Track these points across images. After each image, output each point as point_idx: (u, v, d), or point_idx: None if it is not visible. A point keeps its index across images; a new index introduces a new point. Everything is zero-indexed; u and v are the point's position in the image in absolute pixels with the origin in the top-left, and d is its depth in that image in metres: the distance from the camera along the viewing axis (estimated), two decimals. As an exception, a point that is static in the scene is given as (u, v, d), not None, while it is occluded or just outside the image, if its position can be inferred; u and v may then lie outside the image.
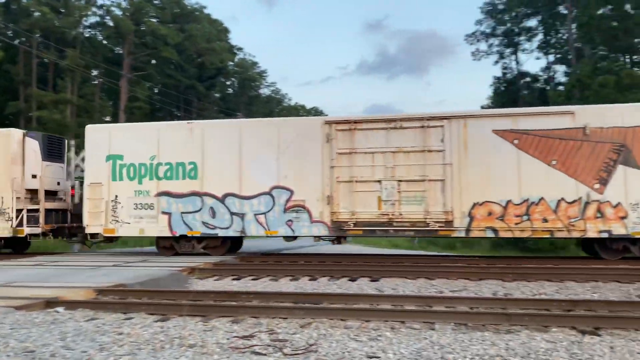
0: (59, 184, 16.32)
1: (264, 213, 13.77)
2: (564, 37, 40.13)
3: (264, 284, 9.99)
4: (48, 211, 15.45)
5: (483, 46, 47.43)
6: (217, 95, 56.49)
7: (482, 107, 46.52)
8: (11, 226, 15.03)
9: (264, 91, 67.40)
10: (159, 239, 14.73)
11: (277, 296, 7.96)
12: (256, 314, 6.76)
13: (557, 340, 5.50)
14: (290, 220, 13.65)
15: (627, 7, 25.39)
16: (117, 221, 14.42)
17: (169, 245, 14.58)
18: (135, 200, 14.35)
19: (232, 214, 13.91)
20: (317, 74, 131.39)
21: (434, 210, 12.93)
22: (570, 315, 6.45)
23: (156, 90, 46.85)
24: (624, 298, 8.38)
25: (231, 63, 56.32)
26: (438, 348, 5.22)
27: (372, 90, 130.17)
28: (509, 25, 45.12)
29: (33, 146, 15.58)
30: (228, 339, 5.68)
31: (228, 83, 59.01)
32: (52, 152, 16.33)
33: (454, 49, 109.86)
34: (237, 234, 14.04)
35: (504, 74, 45.99)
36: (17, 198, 15.10)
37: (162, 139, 14.47)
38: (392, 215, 13.12)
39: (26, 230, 15.04)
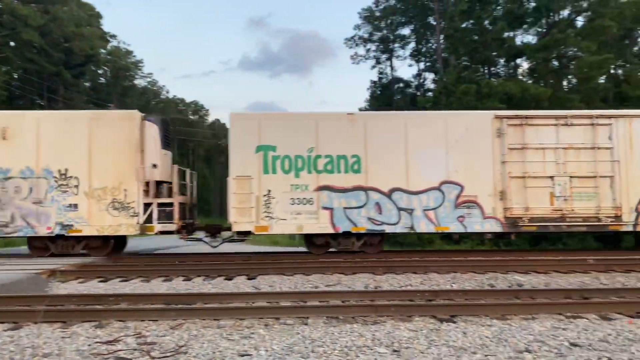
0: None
1: (434, 209, 13.26)
2: (433, 47, 43.22)
3: (134, 286, 9.48)
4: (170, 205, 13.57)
5: (361, 50, 49.44)
6: (87, 84, 52.48)
7: (360, 110, 48.51)
8: (137, 222, 12.99)
9: (140, 82, 64.00)
10: (313, 236, 13.58)
11: (147, 298, 7.59)
12: (123, 317, 6.40)
13: (419, 328, 5.90)
14: (461, 217, 13.27)
15: (486, 23, 28.02)
16: (271, 217, 13.15)
17: (324, 243, 13.63)
18: (292, 195, 13.22)
19: (399, 209, 13.24)
20: (198, 67, 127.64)
21: (605, 205, 13.43)
22: (431, 305, 6.94)
23: (15, 76, 42.34)
24: (477, 287, 9.23)
25: (103, 51, 52.63)
26: (309, 342, 5.33)
27: (255, 87, 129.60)
28: (384, 32, 47.52)
29: (152, 132, 13.64)
30: (90, 345, 5.31)
31: (100, 72, 55.10)
32: (167, 138, 14.57)
33: (335, 51, 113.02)
34: (406, 230, 13.37)
35: (380, 78, 48.30)
36: (145, 191, 13.19)
37: (321, 130, 13.44)
38: (565, 211, 13.34)
39: (158, 226, 13.14)
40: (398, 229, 13.40)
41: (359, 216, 13.33)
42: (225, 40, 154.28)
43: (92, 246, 13.38)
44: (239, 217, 13.16)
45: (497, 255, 13.30)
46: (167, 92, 71.89)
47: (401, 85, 47.98)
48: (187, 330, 5.86)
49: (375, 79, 48.51)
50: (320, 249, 13.75)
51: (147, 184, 13.32)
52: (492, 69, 32.55)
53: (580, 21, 27.02)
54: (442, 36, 35.10)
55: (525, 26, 30.33)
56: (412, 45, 46.98)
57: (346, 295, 7.74)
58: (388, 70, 48.20)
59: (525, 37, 31.80)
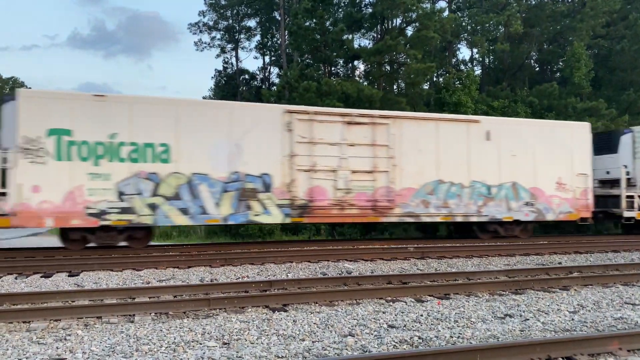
0: None
1: None
2: (279, 42, 43.78)
3: None
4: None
5: (206, 38, 48.18)
6: None
7: (204, 98, 47.33)
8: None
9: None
10: None
11: (-62, 302, 6.50)
12: None
13: (251, 319, 5.92)
14: None
15: (328, 23, 29.18)
16: None
17: None
18: None
19: None
20: (17, 39, 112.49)
21: None
22: (264, 295, 7.03)
23: None
24: (311, 275, 9.60)
25: None
26: (134, 341, 5.03)
27: (87, 67, 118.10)
28: (230, 21, 46.84)
29: None
30: None
31: None
32: None
33: (177, 36, 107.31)
34: None
35: (225, 68, 47.50)
36: None
37: None
38: None
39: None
40: None
41: None
42: (52, 13, 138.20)
43: None
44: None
45: (330, 245, 13.99)
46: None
47: (246, 77, 47.82)
48: (-13, 337, 5.14)
49: (220, 68, 47.65)
50: None
51: None
52: (332, 68, 34.03)
53: (409, 31, 29.53)
54: (286, 32, 35.72)
55: (362, 30, 32.29)
56: (258, 38, 47.07)
57: (179, 289, 7.48)
58: (233, 60, 47.67)
59: (362, 41, 33.88)
